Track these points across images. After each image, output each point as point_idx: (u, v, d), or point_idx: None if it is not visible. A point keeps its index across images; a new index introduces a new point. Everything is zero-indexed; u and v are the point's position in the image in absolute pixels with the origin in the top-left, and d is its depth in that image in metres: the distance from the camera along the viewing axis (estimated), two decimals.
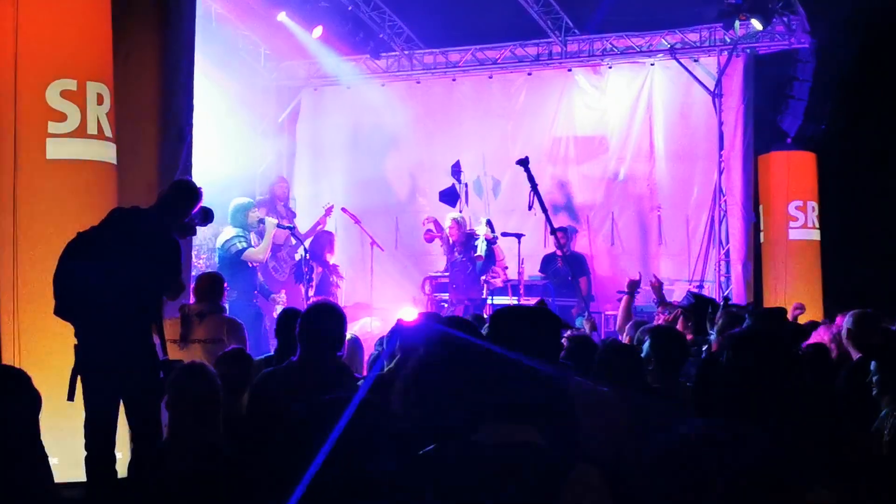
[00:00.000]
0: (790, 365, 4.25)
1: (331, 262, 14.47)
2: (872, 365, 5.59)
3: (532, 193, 11.73)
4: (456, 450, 3.27)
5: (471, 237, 14.03)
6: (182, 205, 7.51)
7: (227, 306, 11.69)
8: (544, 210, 11.53)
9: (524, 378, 3.31)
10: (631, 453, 4.98)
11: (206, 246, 14.84)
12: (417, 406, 4.29)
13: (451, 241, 14.12)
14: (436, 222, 14.48)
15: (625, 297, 10.01)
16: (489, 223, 14.05)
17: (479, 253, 13.67)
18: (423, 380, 4.45)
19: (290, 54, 17.47)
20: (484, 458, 3.18)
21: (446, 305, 13.91)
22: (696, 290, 10.32)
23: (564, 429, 3.76)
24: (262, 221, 12.86)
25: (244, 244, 12.55)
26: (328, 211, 14.55)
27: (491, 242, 13.87)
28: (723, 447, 3.47)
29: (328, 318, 5.88)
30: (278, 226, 13.01)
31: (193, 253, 13.05)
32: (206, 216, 7.81)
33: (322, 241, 14.46)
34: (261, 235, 12.83)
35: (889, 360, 5.52)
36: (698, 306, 8.32)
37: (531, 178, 11.53)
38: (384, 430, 3.10)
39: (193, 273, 12.54)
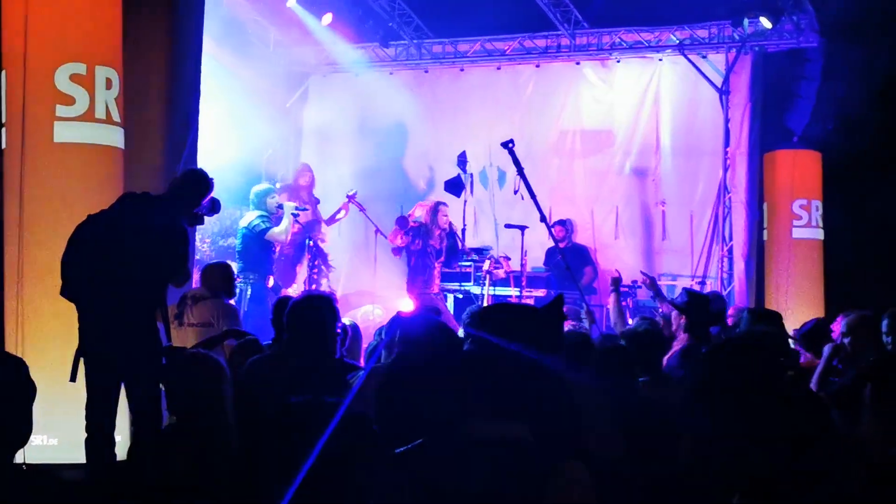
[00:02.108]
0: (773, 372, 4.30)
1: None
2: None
3: (518, 177, 11.70)
4: (443, 445, 3.30)
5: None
6: (194, 194, 7.55)
7: (239, 290, 11.87)
8: (532, 194, 11.47)
9: (515, 373, 3.34)
10: (620, 449, 5.04)
11: (211, 230, 14.91)
12: (405, 400, 4.31)
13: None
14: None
15: (611, 295, 10.00)
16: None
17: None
18: (413, 372, 4.47)
19: (299, 40, 17.47)
20: (471, 454, 3.20)
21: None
22: (690, 288, 10.27)
23: (557, 425, 3.78)
24: (280, 207, 12.99)
25: (268, 224, 12.73)
26: (351, 198, 14.57)
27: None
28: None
29: (317, 308, 5.90)
30: (293, 212, 13.09)
31: (198, 237, 13.14)
32: (214, 207, 7.86)
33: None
34: (279, 220, 12.94)
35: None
36: (693, 304, 8.32)
37: (516, 161, 11.47)
38: (362, 435, 3.12)
39: (198, 257, 12.66)
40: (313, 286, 13.37)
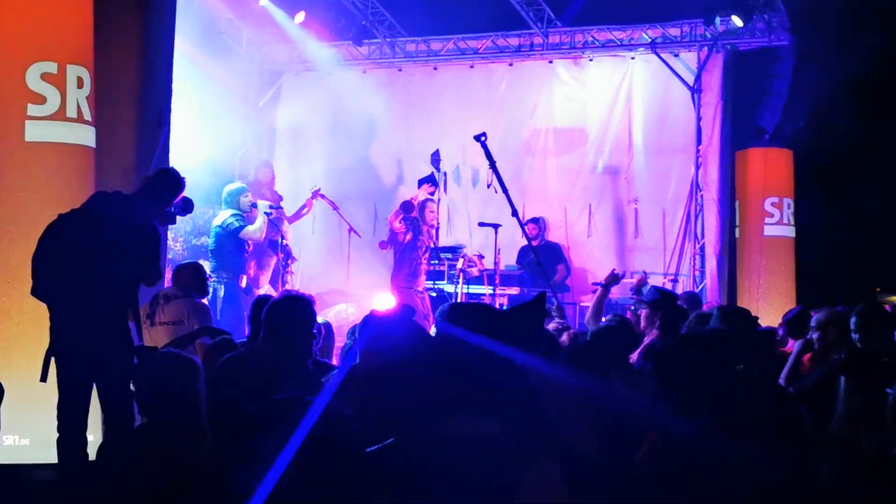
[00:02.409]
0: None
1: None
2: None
3: (490, 171, 11.71)
4: (415, 442, 3.30)
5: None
6: (165, 193, 7.54)
7: (212, 289, 11.83)
8: (504, 188, 11.50)
9: (488, 370, 3.34)
10: (594, 447, 5.05)
11: (184, 230, 14.87)
12: (379, 399, 4.32)
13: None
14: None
15: (600, 290, 9.99)
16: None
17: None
18: (386, 372, 4.48)
19: (271, 39, 17.47)
20: (442, 451, 3.21)
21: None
22: (661, 287, 10.30)
23: (529, 422, 3.79)
24: (254, 206, 12.95)
25: (241, 223, 12.68)
26: (315, 194, 14.53)
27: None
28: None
29: (297, 309, 5.90)
30: (267, 210, 13.06)
31: (170, 236, 13.09)
32: (187, 206, 7.85)
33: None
34: (253, 220, 12.89)
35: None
36: (662, 302, 8.36)
37: (488, 155, 11.50)
38: (339, 432, 3.13)
39: (170, 256, 12.61)
40: (286, 285, 13.34)
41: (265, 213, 12.95)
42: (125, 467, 4.92)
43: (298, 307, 5.90)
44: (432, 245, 13.74)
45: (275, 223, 13.42)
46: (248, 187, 13.47)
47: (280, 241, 13.44)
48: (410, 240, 13.32)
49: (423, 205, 13.55)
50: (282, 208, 14.00)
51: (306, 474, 3.02)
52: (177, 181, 7.62)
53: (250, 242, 12.90)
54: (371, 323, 5.55)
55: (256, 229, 12.75)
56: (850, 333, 7.08)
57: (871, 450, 4.93)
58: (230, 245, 12.60)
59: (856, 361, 5.87)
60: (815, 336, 7.30)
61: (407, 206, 13.48)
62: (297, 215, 14.51)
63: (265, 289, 13.28)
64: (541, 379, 5.09)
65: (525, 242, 13.75)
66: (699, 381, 4.29)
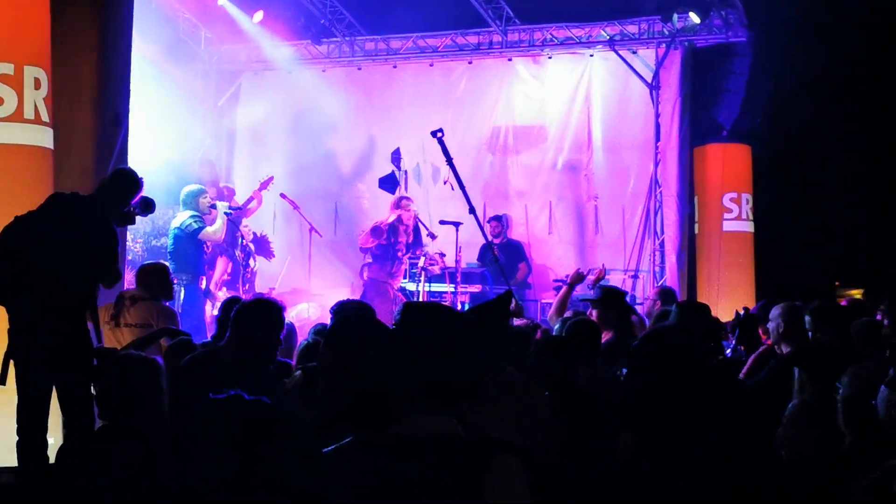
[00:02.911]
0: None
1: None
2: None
3: (448, 167, 11.73)
4: (373, 443, 3.31)
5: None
6: (122, 193, 7.51)
7: (177, 290, 11.75)
8: (461, 185, 11.52)
9: (445, 368, 3.36)
10: (556, 441, 5.08)
11: (143, 230, 14.79)
12: (335, 399, 4.30)
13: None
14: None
15: (564, 289, 10.00)
16: None
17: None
18: (342, 372, 4.46)
19: (230, 38, 17.41)
20: (405, 451, 3.21)
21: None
22: (607, 284, 10.31)
23: (490, 419, 3.81)
24: (213, 206, 12.87)
25: (200, 224, 12.56)
26: (264, 185, 14.39)
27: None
28: None
29: (266, 313, 5.85)
30: (226, 211, 12.98)
31: (130, 237, 13.01)
32: (148, 206, 7.82)
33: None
34: (212, 221, 12.81)
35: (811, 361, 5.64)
36: (608, 298, 8.39)
37: (445, 151, 11.50)
38: (283, 431, 3.12)
39: (130, 257, 12.53)
40: (246, 285, 13.30)
41: (225, 213, 12.89)
42: (87, 470, 4.90)
43: (267, 311, 5.86)
44: (410, 241, 13.67)
45: (234, 223, 13.35)
46: (205, 189, 13.39)
47: (241, 241, 13.38)
48: (392, 242, 13.33)
49: (397, 205, 13.57)
50: (241, 209, 13.92)
51: (250, 473, 3.02)
52: (134, 181, 7.59)
53: (209, 244, 12.84)
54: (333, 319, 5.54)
55: (216, 230, 12.68)
56: (803, 327, 7.17)
57: (823, 442, 4.98)
58: (189, 247, 12.50)
59: (807, 353, 5.94)
60: (770, 328, 7.36)
61: (377, 232, 13.46)
62: (245, 210, 14.34)
63: (223, 291, 13.24)
64: (506, 376, 5.13)
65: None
66: (663, 377, 4.33)
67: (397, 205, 13.53)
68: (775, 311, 7.42)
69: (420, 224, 13.65)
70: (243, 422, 3.09)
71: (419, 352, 3.33)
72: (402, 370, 3.35)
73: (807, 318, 7.13)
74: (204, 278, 12.90)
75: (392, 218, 13.45)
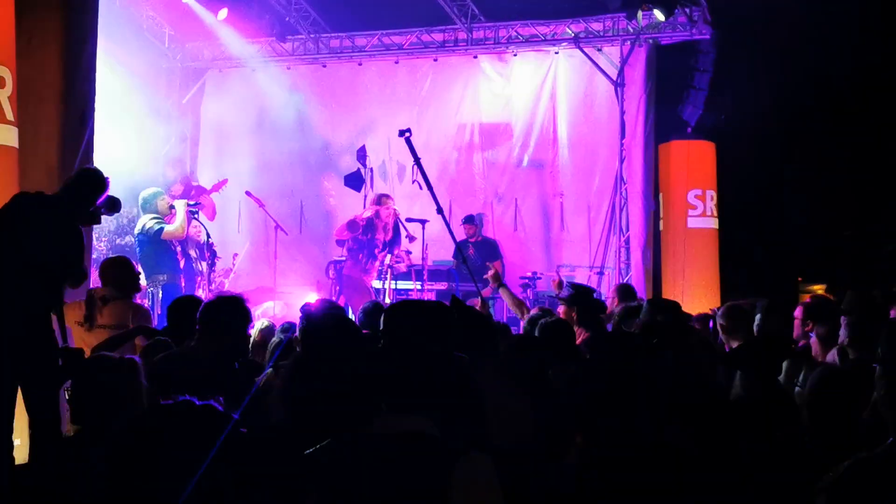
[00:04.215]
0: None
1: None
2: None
3: (415, 167, 11.73)
4: (347, 443, 3.31)
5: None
6: (87, 193, 7.46)
7: (154, 291, 11.66)
8: (428, 185, 11.52)
9: (420, 369, 3.37)
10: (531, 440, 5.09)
11: (107, 229, 14.70)
12: (306, 402, 4.28)
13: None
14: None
15: (501, 290, 10.17)
16: None
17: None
18: (313, 373, 4.45)
19: (194, 36, 17.36)
20: (375, 450, 3.22)
21: None
22: (575, 282, 10.37)
23: (464, 419, 3.81)
24: (172, 207, 12.77)
25: (161, 224, 12.45)
26: (216, 186, 14.25)
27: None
28: None
29: (233, 309, 5.82)
30: (189, 206, 12.87)
31: (94, 236, 12.90)
32: (114, 206, 7.76)
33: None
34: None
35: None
36: (578, 296, 8.43)
37: (413, 151, 11.50)
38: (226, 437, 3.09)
39: (94, 256, 12.44)
40: (212, 285, 13.23)
41: (188, 206, 12.77)
42: (60, 475, 4.84)
43: (237, 307, 5.83)
44: (388, 239, 13.57)
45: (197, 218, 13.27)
46: (163, 191, 13.29)
47: (207, 239, 13.29)
48: (368, 238, 13.25)
49: (377, 202, 13.42)
50: (201, 203, 13.79)
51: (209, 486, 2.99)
52: (99, 181, 7.54)
53: (175, 242, 12.74)
54: (304, 318, 5.52)
55: (177, 227, 12.54)
56: (747, 325, 7.29)
57: (781, 439, 5.02)
58: (156, 249, 12.39)
59: (743, 351, 5.99)
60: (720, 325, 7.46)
61: (353, 226, 13.36)
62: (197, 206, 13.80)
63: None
64: (479, 373, 5.13)
65: (459, 239, 13.81)
66: (632, 374, 4.35)
67: (377, 201, 13.45)
68: (719, 312, 7.53)
69: (401, 224, 13.53)
70: (191, 430, 3.06)
71: (398, 352, 3.34)
72: (379, 370, 3.36)
73: (757, 317, 7.25)
74: (182, 276, 12.74)
75: (369, 213, 13.38)
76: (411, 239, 13.42)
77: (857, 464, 3.49)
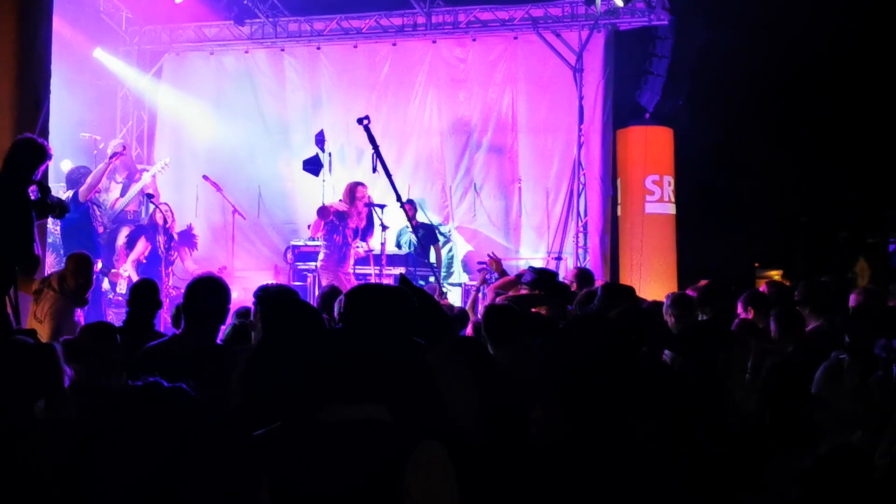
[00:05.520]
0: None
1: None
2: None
3: (374, 155, 11.70)
4: (301, 428, 3.31)
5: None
6: (25, 162, 7.38)
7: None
8: (387, 172, 11.49)
9: (374, 356, 3.37)
10: (484, 428, 5.09)
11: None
12: (260, 388, 4.26)
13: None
14: None
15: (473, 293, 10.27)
16: None
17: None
18: (268, 360, 4.43)
19: (152, 18, 17.24)
20: (329, 437, 3.22)
21: (310, 276, 13.81)
22: (538, 266, 10.40)
23: (418, 406, 3.80)
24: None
25: (74, 188, 12.25)
26: (117, 154, 13.56)
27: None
28: None
29: (217, 293, 5.73)
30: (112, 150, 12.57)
31: (50, 221, 12.72)
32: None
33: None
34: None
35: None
36: (541, 280, 8.45)
37: (372, 139, 11.47)
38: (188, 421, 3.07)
39: (50, 240, 12.27)
40: (169, 268, 13.12)
41: (112, 152, 12.42)
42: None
43: (214, 289, 5.73)
44: (362, 227, 13.46)
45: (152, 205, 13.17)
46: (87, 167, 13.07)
47: (164, 224, 13.17)
48: (341, 230, 13.14)
49: (351, 191, 13.17)
50: (152, 195, 13.65)
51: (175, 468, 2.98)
52: (36, 149, 7.46)
53: (104, 224, 12.51)
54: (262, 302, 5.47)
55: (88, 179, 12.13)
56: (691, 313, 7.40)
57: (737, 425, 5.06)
58: (78, 226, 11.91)
59: (682, 335, 6.07)
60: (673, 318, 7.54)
61: (323, 212, 13.23)
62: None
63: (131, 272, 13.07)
64: (432, 360, 5.13)
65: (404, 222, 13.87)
66: (595, 361, 4.37)
67: (351, 191, 13.28)
68: (666, 301, 7.63)
69: (374, 212, 13.39)
70: (158, 412, 3.03)
71: (356, 337, 3.34)
72: (335, 357, 3.36)
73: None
74: (99, 260, 12.25)
75: (343, 208, 13.23)
76: (384, 227, 13.35)
77: (834, 454, 3.53)
